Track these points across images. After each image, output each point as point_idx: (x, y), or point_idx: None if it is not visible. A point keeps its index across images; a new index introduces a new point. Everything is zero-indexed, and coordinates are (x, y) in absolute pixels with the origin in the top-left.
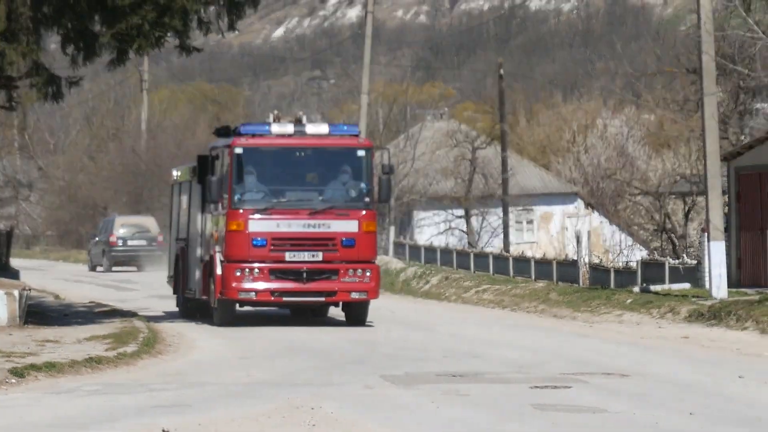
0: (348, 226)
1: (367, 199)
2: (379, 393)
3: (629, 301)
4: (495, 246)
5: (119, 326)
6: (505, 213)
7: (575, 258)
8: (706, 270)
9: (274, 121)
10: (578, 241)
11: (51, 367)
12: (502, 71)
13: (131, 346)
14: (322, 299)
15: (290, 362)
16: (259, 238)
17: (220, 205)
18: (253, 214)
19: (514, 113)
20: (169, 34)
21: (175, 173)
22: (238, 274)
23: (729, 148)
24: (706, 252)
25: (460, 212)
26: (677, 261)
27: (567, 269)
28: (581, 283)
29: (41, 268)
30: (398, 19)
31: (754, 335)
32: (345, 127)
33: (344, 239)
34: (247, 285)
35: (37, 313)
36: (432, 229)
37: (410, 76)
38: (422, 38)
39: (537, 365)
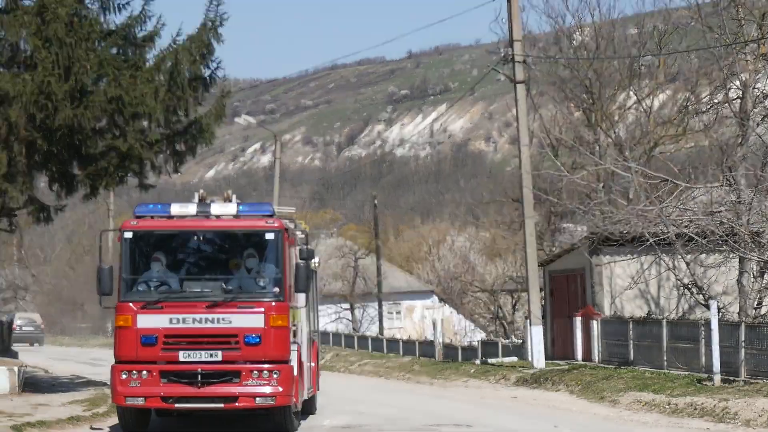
0: (252, 320)
1: (276, 289)
2: None
3: (472, 370)
4: (372, 330)
5: (93, 393)
6: (380, 306)
7: (432, 339)
8: (529, 347)
9: (200, 200)
10: (434, 327)
11: (42, 424)
12: (376, 201)
13: (102, 407)
14: (221, 405)
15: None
16: (148, 335)
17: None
18: (142, 307)
19: (386, 232)
20: (129, 175)
21: None
22: (125, 377)
23: (544, 257)
24: (528, 334)
25: (347, 305)
26: (507, 340)
27: (426, 347)
28: (437, 358)
29: (35, 350)
30: (299, 163)
31: (565, 395)
32: (256, 207)
33: (248, 336)
34: (135, 389)
35: (32, 384)
36: (326, 318)
37: (308, 205)
38: (317, 177)
39: (404, 419)
